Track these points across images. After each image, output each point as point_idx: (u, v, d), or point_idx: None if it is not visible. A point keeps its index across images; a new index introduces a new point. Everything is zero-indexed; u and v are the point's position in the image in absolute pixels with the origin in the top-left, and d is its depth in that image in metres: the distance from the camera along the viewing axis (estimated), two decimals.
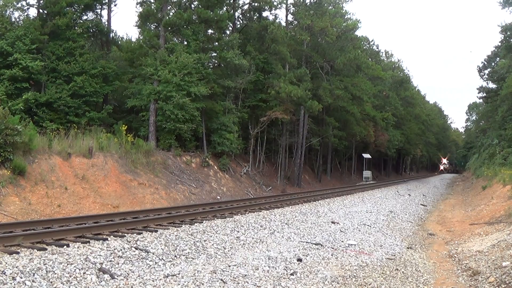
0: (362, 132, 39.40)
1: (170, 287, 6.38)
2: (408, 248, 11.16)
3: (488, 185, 24.75)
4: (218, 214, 12.97)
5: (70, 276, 6.21)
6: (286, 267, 8.01)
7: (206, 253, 8.45)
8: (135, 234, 9.21)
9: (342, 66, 32.76)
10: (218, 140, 24.36)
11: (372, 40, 59.62)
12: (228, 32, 28.57)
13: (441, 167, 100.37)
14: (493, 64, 46.63)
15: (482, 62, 48.87)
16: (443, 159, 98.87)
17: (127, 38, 32.83)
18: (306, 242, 10.28)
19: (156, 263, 7.46)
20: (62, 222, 10.11)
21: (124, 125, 20.29)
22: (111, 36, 27.18)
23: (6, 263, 6.36)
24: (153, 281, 6.54)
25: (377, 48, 55.53)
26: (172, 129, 21.71)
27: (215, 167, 23.99)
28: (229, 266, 7.68)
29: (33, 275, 6.03)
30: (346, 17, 34.44)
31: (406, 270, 8.65)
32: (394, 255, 9.99)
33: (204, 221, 11.51)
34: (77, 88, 20.91)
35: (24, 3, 22.17)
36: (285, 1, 30.79)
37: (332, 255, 9.36)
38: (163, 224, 10.76)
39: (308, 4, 31.61)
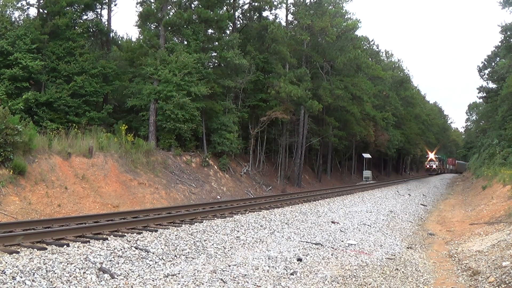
0: (362, 132, 39.40)
1: (170, 286, 6.38)
2: (408, 248, 11.16)
3: (488, 185, 24.73)
4: (218, 214, 12.96)
5: (70, 276, 6.21)
6: (286, 266, 8.01)
7: (206, 253, 8.44)
8: (135, 234, 9.21)
9: (342, 66, 32.74)
10: (218, 140, 24.36)
11: (372, 40, 59.66)
12: (228, 32, 28.58)
13: (427, 166, 68.52)
14: (493, 64, 46.65)
15: (482, 62, 48.93)
16: (429, 153, 67.89)
17: (127, 38, 32.93)
18: (306, 242, 10.28)
19: (156, 262, 7.45)
20: (62, 222, 10.11)
21: (124, 125, 20.30)
22: (111, 36, 27.22)
23: (6, 262, 6.36)
24: (153, 280, 6.54)
25: (377, 48, 55.53)
26: (172, 128, 21.72)
27: (215, 167, 23.99)
28: (229, 266, 7.68)
29: (33, 274, 6.03)
30: (346, 17, 34.41)
31: (406, 270, 8.65)
32: (394, 255, 9.99)
33: (204, 221, 11.51)
34: (77, 87, 20.93)
35: (24, 2, 22.25)
36: (285, 1, 30.80)
37: (332, 255, 9.36)
38: (163, 224, 10.76)
39: (308, 4, 31.60)
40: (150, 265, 7.27)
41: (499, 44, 42.93)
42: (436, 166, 67.34)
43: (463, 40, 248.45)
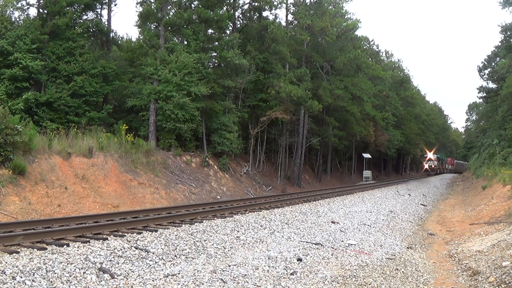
0: (362, 132, 39.41)
1: (170, 286, 6.38)
2: (408, 248, 11.16)
3: (488, 185, 24.73)
4: (218, 214, 12.96)
5: (70, 276, 6.21)
6: (286, 266, 8.01)
7: (206, 253, 8.44)
8: (135, 234, 9.21)
9: (342, 66, 32.74)
10: (218, 140, 24.36)
11: (372, 40, 59.66)
12: (228, 32, 28.58)
13: (426, 166, 65.18)
14: (493, 64, 46.66)
15: (482, 62, 48.94)
16: (428, 152, 64.98)
17: (127, 38, 32.95)
18: (306, 242, 10.28)
19: (156, 262, 7.45)
20: (62, 222, 10.11)
21: (124, 125, 20.30)
22: (111, 36, 27.22)
23: (6, 262, 6.36)
24: (153, 280, 6.54)
25: (377, 48, 55.57)
26: (172, 128, 21.72)
27: (215, 167, 23.99)
28: (229, 265, 7.67)
29: (33, 274, 6.03)
30: (346, 17, 34.41)
31: (406, 270, 8.65)
32: (394, 255, 9.99)
33: (204, 221, 11.51)
34: (77, 87, 20.94)
35: (24, 2, 22.26)
36: (285, 1, 30.80)
37: (332, 255, 9.36)
38: (163, 224, 10.76)
39: (308, 4, 31.60)
40: (150, 265, 7.27)
41: (499, 44, 42.95)
42: (435, 165, 64.60)
43: (463, 40, 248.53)
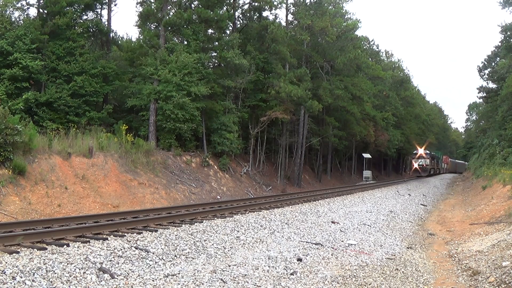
0: (362, 132, 39.42)
1: (170, 286, 6.38)
2: (408, 248, 11.16)
3: (488, 185, 24.74)
4: (218, 214, 12.96)
5: (70, 276, 6.21)
6: (286, 266, 8.01)
7: (206, 253, 8.44)
8: (135, 234, 9.21)
9: (342, 66, 32.76)
10: (218, 140, 24.37)
11: (372, 40, 59.54)
12: (228, 32, 28.58)
13: (415, 165, 51.78)
14: (493, 64, 46.64)
15: (482, 62, 48.89)
16: (419, 148, 52.32)
17: (127, 38, 32.92)
18: (306, 242, 10.28)
19: (156, 262, 7.45)
20: (62, 222, 10.11)
21: (124, 125, 20.30)
22: (111, 35, 27.21)
23: (6, 262, 6.36)
24: (153, 280, 6.54)
25: (377, 48, 55.51)
26: (172, 128, 21.73)
27: (215, 167, 23.99)
28: (229, 265, 7.67)
29: (33, 274, 6.03)
30: (346, 17, 34.45)
31: (406, 270, 8.65)
32: (394, 255, 9.99)
33: (204, 221, 11.51)
34: (77, 87, 20.94)
35: (24, 2, 22.25)
36: (285, 1, 30.80)
37: (332, 255, 9.36)
38: (163, 224, 10.76)
39: (308, 4, 31.61)
40: (150, 265, 7.27)
41: (499, 44, 42.92)
42: (427, 164, 51.98)
43: (463, 40, 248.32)
